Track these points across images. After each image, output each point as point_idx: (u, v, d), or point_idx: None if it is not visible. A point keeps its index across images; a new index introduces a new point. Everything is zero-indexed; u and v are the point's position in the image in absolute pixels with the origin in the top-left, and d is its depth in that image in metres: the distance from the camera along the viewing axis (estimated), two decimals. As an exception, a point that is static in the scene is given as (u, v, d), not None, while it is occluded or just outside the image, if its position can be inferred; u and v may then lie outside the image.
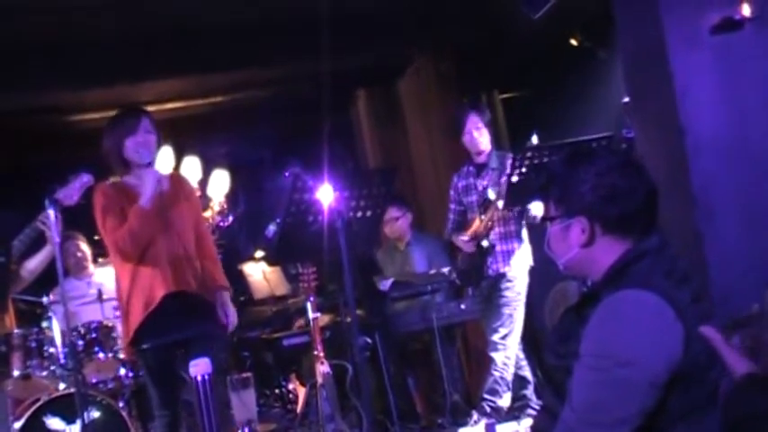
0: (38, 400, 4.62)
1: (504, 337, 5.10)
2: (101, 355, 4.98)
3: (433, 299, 5.59)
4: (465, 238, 5.17)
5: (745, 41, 4.33)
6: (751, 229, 4.29)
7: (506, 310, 5.11)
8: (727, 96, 4.35)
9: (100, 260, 5.81)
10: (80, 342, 4.91)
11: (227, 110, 7.86)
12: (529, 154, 4.66)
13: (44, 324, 4.90)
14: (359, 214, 4.12)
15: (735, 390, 1.81)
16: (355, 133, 8.45)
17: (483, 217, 5.07)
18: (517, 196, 4.80)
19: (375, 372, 5.17)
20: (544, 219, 2.13)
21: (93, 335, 4.99)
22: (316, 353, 4.66)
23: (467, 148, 5.24)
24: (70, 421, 4.57)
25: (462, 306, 5.51)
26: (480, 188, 5.16)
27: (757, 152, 4.33)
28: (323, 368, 4.62)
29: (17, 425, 4.53)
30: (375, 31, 6.50)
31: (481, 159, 5.21)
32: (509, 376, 5.11)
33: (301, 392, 5.45)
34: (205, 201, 5.79)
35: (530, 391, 5.18)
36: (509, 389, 5.12)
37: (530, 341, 5.37)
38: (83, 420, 4.09)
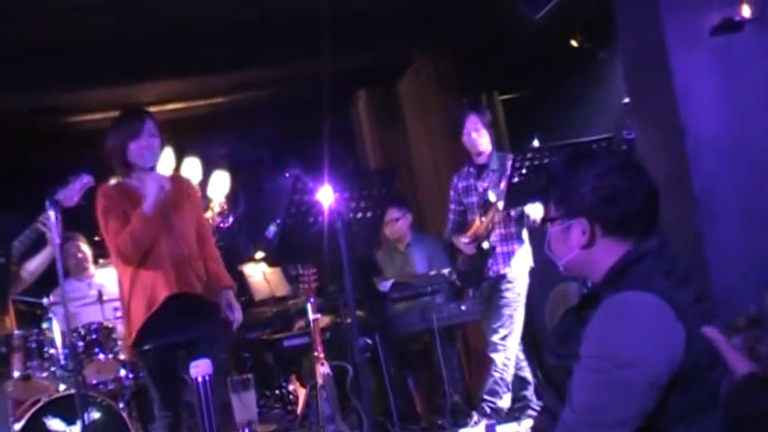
0: (38, 401, 4.62)
1: (504, 338, 5.09)
2: (101, 356, 4.98)
3: (434, 300, 5.59)
4: (465, 240, 5.16)
5: (745, 42, 4.33)
6: (751, 229, 4.30)
7: (506, 311, 5.10)
8: (728, 97, 4.36)
9: (100, 261, 5.80)
10: (80, 343, 4.91)
11: (227, 110, 7.86)
12: (529, 155, 4.66)
13: (44, 325, 4.90)
14: (359, 215, 4.12)
15: (735, 390, 1.80)
16: (355, 133, 8.44)
17: (483, 219, 5.06)
18: (517, 197, 4.80)
19: (375, 373, 5.17)
20: (544, 220, 2.13)
21: (94, 336, 4.99)
22: (316, 354, 4.66)
23: (467, 148, 5.24)
24: (70, 422, 4.56)
25: (462, 307, 5.51)
26: (481, 190, 5.16)
27: (757, 152, 4.34)
28: (323, 369, 4.62)
29: (17, 426, 4.53)
30: (375, 31, 6.50)
31: (481, 160, 5.21)
32: (509, 377, 5.11)
33: (302, 393, 5.44)
34: (205, 201, 5.80)
35: (530, 392, 5.18)
36: (509, 390, 5.12)
37: (530, 342, 5.37)
38: (83, 421, 4.09)
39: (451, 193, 5.36)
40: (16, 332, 4.60)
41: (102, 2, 5.54)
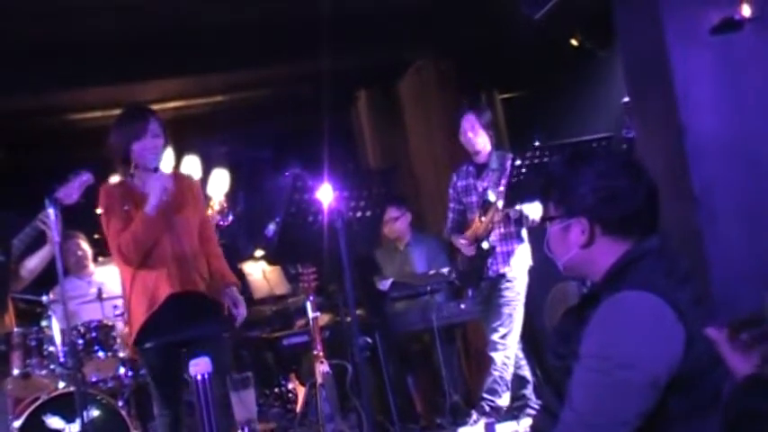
0: (37, 398, 4.63)
1: (503, 337, 5.09)
2: (100, 354, 4.98)
3: (433, 299, 5.59)
4: (465, 241, 5.15)
5: (745, 42, 4.33)
6: (751, 229, 4.30)
7: (506, 310, 5.11)
8: (727, 96, 4.36)
9: (100, 259, 5.80)
10: (80, 341, 4.91)
11: (227, 109, 7.86)
12: (529, 154, 4.66)
13: (44, 323, 4.90)
14: (359, 214, 4.12)
15: (736, 390, 1.80)
16: (355, 133, 8.44)
17: (483, 219, 5.06)
18: (516, 195, 4.80)
19: (375, 372, 5.17)
20: (544, 219, 2.13)
21: (93, 334, 4.99)
22: (315, 352, 4.66)
23: (465, 147, 5.24)
24: (70, 420, 4.57)
25: (462, 306, 5.51)
26: (480, 189, 5.15)
27: (758, 152, 4.34)
28: (323, 368, 4.62)
29: (17, 423, 4.53)
30: (375, 31, 6.49)
31: (480, 159, 5.20)
32: (508, 376, 5.11)
33: (301, 392, 5.45)
34: (205, 200, 5.79)
35: (529, 391, 5.18)
36: (508, 388, 5.12)
37: (529, 341, 5.37)
38: (82, 419, 4.09)
39: (451, 192, 5.36)
40: (16, 330, 4.59)
41: (102, 2, 5.53)
